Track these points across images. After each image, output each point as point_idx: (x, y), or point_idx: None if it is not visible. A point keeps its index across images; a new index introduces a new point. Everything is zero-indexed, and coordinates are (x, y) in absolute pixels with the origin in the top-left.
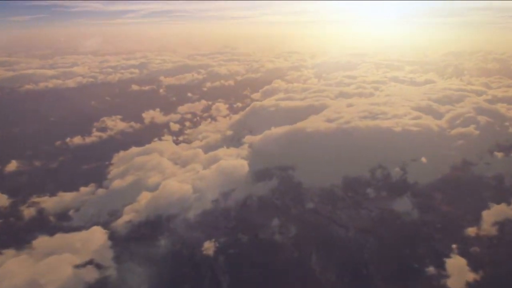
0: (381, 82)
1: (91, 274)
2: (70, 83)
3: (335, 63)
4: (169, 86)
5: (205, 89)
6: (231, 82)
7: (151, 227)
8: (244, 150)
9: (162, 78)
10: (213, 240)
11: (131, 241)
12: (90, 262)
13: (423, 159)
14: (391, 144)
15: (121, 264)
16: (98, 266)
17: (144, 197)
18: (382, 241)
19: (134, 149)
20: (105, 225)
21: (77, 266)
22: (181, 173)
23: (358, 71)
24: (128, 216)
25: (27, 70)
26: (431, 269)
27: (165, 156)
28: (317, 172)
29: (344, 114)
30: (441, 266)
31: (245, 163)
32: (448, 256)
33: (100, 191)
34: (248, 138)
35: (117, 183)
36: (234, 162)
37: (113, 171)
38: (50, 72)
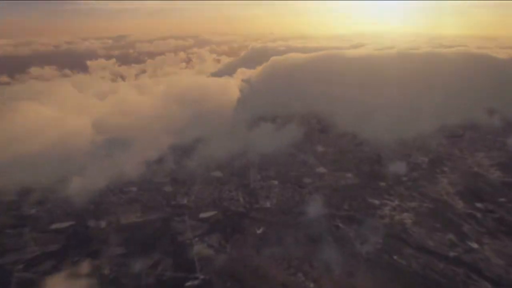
0: (415, 45)
1: None
2: (24, 50)
3: (348, 40)
4: (145, 52)
5: (190, 52)
6: (225, 48)
7: None
8: (236, 80)
9: (138, 44)
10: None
11: None
12: None
13: None
14: (502, 76)
15: None
16: None
17: None
18: None
19: (31, 82)
20: None
21: None
22: (89, 104)
23: (380, 40)
24: None
25: None
26: None
27: (86, 91)
28: (382, 119)
29: (399, 45)
30: None
31: (233, 83)
32: None
33: None
34: (242, 72)
35: None
36: (207, 80)
37: None
38: (3, 41)
